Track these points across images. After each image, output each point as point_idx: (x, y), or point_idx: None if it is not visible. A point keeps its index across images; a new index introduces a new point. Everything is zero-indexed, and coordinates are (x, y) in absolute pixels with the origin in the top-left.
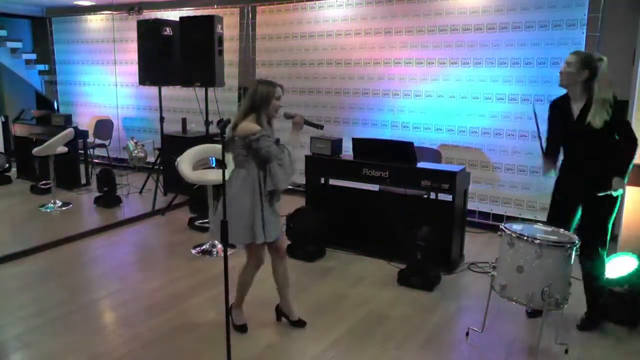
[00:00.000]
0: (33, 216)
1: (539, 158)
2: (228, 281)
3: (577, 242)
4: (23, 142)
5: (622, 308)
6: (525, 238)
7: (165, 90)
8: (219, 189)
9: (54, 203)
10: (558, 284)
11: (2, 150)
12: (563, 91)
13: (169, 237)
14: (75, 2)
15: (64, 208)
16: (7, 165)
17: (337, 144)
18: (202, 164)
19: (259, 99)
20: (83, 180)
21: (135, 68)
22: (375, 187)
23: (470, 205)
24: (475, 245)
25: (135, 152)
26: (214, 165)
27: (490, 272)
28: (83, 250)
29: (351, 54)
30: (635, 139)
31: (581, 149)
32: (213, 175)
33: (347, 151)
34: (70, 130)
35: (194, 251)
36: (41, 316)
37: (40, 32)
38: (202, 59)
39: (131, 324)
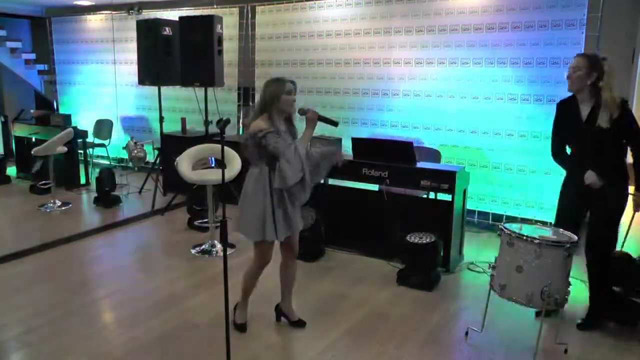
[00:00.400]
0: (33, 216)
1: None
2: (228, 281)
3: (576, 241)
4: (23, 142)
5: (622, 308)
6: (524, 238)
7: (165, 90)
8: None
9: (54, 203)
10: (557, 284)
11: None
12: (562, 91)
13: (168, 237)
14: (75, 2)
15: (63, 208)
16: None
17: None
18: (201, 163)
19: (268, 97)
20: (83, 180)
21: (134, 68)
22: (374, 187)
23: (470, 205)
24: (475, 245)
25: (135, 152)
26: (213, 165)
27: (489, 272)
28: (83, 250)
29: (351, 53)
30: None
31: (589, 153)
32: (213, 175)
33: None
34: (69, 130)
35: (193, 251)
36: (41, 316)
37: (40, 32)
38: (202, 59)
39: (131, 324)
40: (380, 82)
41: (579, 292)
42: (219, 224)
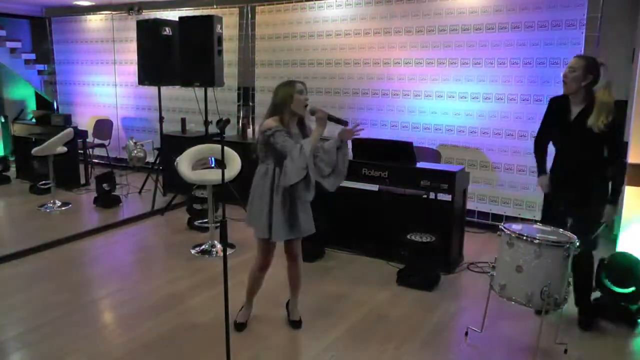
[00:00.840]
0: (32, 216)
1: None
2: (228, 281)
3: (576, 241)
4: (22, 142)
5: (622, 308)
6: (524, 238)
7: (165, 90)
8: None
9: (54, 203)
10: (557, 284)
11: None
12: (562, 91)
13: (168, 237)
14: (75, 2)
15: (63, 208)
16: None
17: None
18: (201, 164)
19: (280, 100)
20: (82, 180)
21: (134, 68)
22: (374, 187)
23: (470, 205)
24: (475, 245)
25: (135, 152)
26: (213, 165)
27: (489, 272)
28: (82, 250)
29: (351, 54)
30: (622, 160)
31: (574, 154)
32: (212, 175)
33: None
34: (69, 130)
35: (193, 251)
36: (41, 316)
37: (40, 32)
38: (202, 59)
39: (131, 324)
40: (380, 82)
41: None
42: (218, 224)
